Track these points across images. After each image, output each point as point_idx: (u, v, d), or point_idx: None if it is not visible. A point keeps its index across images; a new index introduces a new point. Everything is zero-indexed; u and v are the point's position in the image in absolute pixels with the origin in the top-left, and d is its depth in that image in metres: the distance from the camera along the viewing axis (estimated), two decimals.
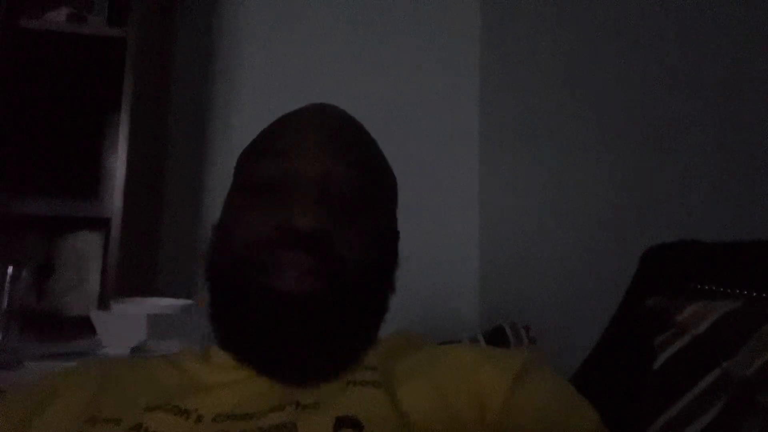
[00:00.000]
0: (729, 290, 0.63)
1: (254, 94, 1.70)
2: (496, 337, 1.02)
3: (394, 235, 0.60)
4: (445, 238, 1.73)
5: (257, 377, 0.50)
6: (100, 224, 1.34)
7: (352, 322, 0.51)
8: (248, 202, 0.53)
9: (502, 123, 1.68)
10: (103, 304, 1.23)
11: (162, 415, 0.46)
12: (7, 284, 1.01)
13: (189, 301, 1.11)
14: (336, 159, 0.54)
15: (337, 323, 0.50)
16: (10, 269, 1.02)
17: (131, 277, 1.30)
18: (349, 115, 0.62)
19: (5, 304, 0.99)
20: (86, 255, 1.39)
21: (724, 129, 0.87)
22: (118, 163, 1.26)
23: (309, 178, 0.52)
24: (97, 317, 1.06)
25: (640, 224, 1.04)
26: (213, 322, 0.54)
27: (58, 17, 1.29)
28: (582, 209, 1.23)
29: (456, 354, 0.53)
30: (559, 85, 1.36)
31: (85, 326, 1.09)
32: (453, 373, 0.50)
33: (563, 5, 1.36)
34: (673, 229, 0.88)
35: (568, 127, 1.31)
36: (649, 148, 1.03)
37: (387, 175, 0.61)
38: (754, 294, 0.61)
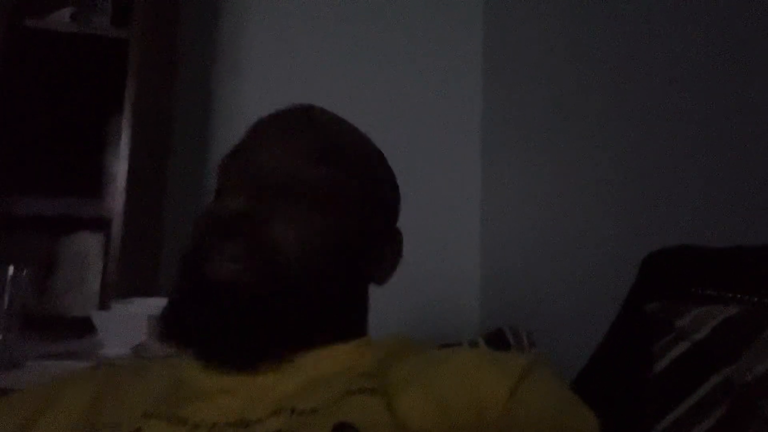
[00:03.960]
0: (730, 295, 0.63)
1: (257, 94, 1.70)
2: (497, 341, 1.02)
3: (356, 241, 0.57)
4: (446, 241, 1.73)
5: (253, 381, 0.50)
6: (102, 225, 1.34)
7: (282, 309, 0.51)
8: (212, 199, 0.57)
9: (505, 126, 1.68)
10: (104, 304, 1.23)
11: (157, 423, 0.46)
12: (7, 284, 1.01)
13: None
14: (289, 151, 0.54)
15: (263, 310, 0.50)
16: (10, 269, 1.02)
17: (132, 277, 1.30)
18: (328, 115, 0.61)
19: (6, 303, 0.99)
20: (87, 255, 1.39)
21: (728, 133, 0.87)
22: (119, 164, 1.26)
23: (252, 167, 0.54)
24: (98, 317, 1.06)
25: (641, 229, 1.04)
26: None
27: (62, 17, 1.30)
28: (583, 213, 1.23)
29: (455, 358, 0.52)
30: (562, 88, 1.36)
31: (85, 326, 1.09)
32: (452, 378, 0.50)
33: (567, 5, 1.36)
34: (674, 235, 0.88)
35: (570, 132, 1.31)
36: (652, 153, 1.03)
37: (359, 178, 0.59)
38: (755, 299, 0.61)
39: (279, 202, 0.52)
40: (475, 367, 0.50)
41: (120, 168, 1.26)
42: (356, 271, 0.58)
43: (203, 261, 0.50)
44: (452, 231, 1.75)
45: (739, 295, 0.62)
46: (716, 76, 0.90)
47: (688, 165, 0.94)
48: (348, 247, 0.56)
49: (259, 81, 1.71)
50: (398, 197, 0.66)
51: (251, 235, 0.50)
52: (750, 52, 0.84)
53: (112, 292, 1.20)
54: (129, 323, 1.02)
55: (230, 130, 1.71)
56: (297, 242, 0.51)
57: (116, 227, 1.23)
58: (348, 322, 0.58)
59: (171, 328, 0.51)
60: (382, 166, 0.64)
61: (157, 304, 1.09)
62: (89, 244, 1.39)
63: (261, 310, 0.49)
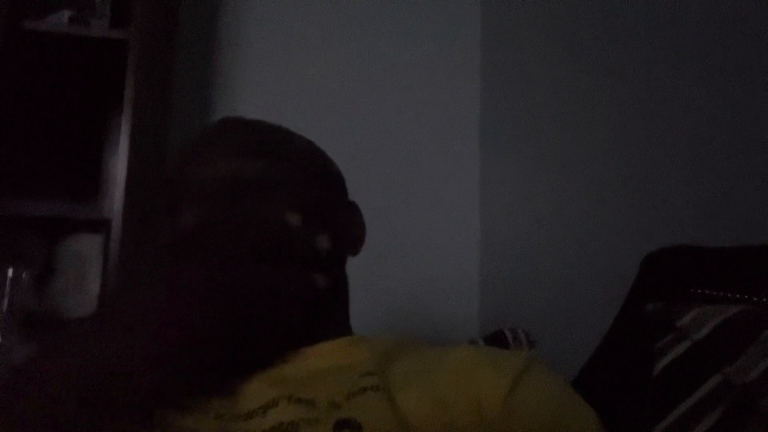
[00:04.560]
0: (729, 295, 0.63)
1: (256, 97, 1.70)
2: (496, 342, 1.02)
3: (323, 211, 0.59)
4: (445, 241, 1.73)
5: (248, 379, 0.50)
6: (101, 226, 1.34)
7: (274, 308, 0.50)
8: None
9: (503, 126, 1.68)
10: None
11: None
12: (7, 286, 1.01)
13: None
14: (225, 154, 0.57)
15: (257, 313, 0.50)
16: (10, 271, 1.03)
17: None
18: (256, 120, 0.63)
19: (5, 305, 0.99)
20: (87, 257, 1.39)
21: (727, 133, 0.87)
22: (119, 166, 1.26)
23: (198, 179, 0.56)
24: None
25: (641, 229, 1.04)
26: None
27: (60, 19, 1.30)
28: (583, 213, 1.23)
29: (454, 356, 0.53)
30: (561, 88, 1.36)
31: None
32: (451, 376, 0.50)
33: (565, 8, 1.37)
34: (673, 236, 0.88)
35: (569, 133, 1.31)
36: (651, 152, 1.03)
37: (301, 157, 0.60)
38: (755, 299, 0.61)
39: (235, 203, 0.53)
40: (474, 365, 0.51)
41: (119, 170, 1.25)
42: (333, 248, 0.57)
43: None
44: (451, 232, 1.75)
45: (738, 295, 0.62)
46: (716, 76, 0.90)
47: (688, 165, 0.94)
48: (313, 225, 0.55)
49: (257, 83, 1.71)
50: (339, 171, 0.67)
51: (219, 243, 0.49)
52: (749, 54, 0.84)
53: None
54: None
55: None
56: (264, 237, 0.50)
57: (115, 229, 1.22)
58: (333, 313, 0.59)
59: None
60: (311, 147, 0.64)
61: None
62: (89, 245, 1.39)
63: (255, 313, 0.49)
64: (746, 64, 0.84)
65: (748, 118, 0.83)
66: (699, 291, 0.66)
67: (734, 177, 0.85)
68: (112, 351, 0.43)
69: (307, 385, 0.49)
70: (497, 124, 1.72)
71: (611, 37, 1.17)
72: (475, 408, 0.47)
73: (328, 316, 0.58)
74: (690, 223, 0.92)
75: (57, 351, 0.46)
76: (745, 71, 0.84)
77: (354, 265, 0.66)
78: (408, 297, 1.49)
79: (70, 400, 0.42)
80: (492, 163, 1.73)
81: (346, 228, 0.63)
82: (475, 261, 1.74)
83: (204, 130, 0.62)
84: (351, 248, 0.64)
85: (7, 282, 1.00)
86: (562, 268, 1.28)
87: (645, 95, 1.05)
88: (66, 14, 1.30)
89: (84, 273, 1.38)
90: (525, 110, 1.54)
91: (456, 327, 1.64)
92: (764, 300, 0.60)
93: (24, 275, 1.02)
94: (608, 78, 1.17)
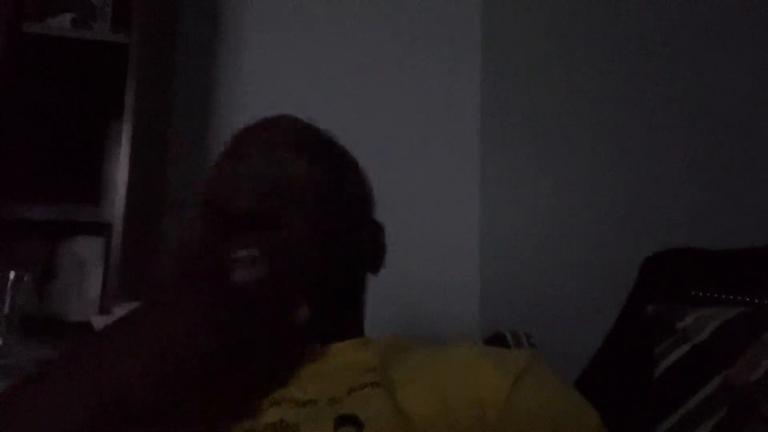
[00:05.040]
0: (729, 297, 0.63)
1: (257, 100, 1.70)
2: (497, 343, 1.02)
3: (353, 227, 0.60)
4: (445, 244, 1.73)
5: None
6: (102, 229, 1.34)
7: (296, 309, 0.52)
8: None
9: (504, 129, 1.68)
10: (105, 309, 1.22)
11: None
12: (8, 289, 1.01)
13: None
14: (275, 153, 0.57)
15: (283, 311, 0.51)
16: (11, 274, 1.03)
17: (132, 282, 1.30)
18: (303, 121, 0.63)
19: (6, 308, 0.99)
20: (87, 260, 1.39)
21: (726, 136, 0.88)
22: (120, 169, 1.26)
23: (245, 172, 0.56)
24: (98, 322, 1.06)
25: (641, 230, 1.04)
26: None
27: (62, 22, 1.30)
28: (583, 216, 1.23)
29: (457, 354, 0.53)
30: (561, 90, 1.36)
31: (86, 331, 1.09)
32: (454, 373, 0.50)
33: (565, 8, 1.37)
34: (673, 238, 0.88)
35: (569, 134, 1.31)
36: (651, 155, 1.04)
37: (341, 168, 0.62)
38: (755, 301, 0.61)
39: (281, 203, 0.53)
40: (476, 363, 0.51)
41: (120, 173, 1.25)
42: (351, 263, 0.60)
43: (217, 261, 0.50)
44: (451, 235, 1.75)
45: (738, 297, 0.62)
46: (715, 77, 0.90)
47: (688, 167, 0.95)
48: (341, 241, 0.58)
49: (258, 86, 1.71)
50: (371, 190, 0.68)
51: (265, 237, 0.51)
52: (749, 56, 0.84)
53: (112, 297, 1.20)
54: None
55: (230, 134, 1.71)
56: (303, 241, 0.52)
57: (116, 232, 1.22)
58: (349, 316, 0.60)
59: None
60: (350, 159, 0.66)
61: None
62: (89, 249, 1.39)
63: (281, 312, 0.50)
64: (747, 65, 0.84)
65: (747, 120, 0.84)
66: (699, 293, 0.66)
67: (735, 179, 0.85)
68: (124, 369, 0.44)
69: (310, 383, 0.50)
70: (498, 126, 1.72)
71: (612, 38, 1.17)
72: (477, 405, 0.48)
73: (340, 320, 0.59)
74: (690, 225, 0.92)
75: (74, 362, 0.46)
76: (745, 73, 0.85)
77: None
78: (408, 299, 1.49)
79: (83, 413, 0.42)
80: (492, 167, 1.73)
81: (368, 246, 0.63)
82: (475, 263, 1.74)
83: (253, 124, 0.62)
84: (372, 268, 0.64)
85: (8, 285, 1.00)
86: (563, 270, 1.28)
87: (646, 96, 1.06)
88: (67, 17, 1.30)
89: (85, 276, 1.38)
90: (525, 112, 1.54)
91: (456, 329, 1.64)
92: (764, 302, 0.60)
93: (25, 278, 1.02)
94: (609, 79, 1.17)
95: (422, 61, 1.81)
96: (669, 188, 0.98)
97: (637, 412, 0.60)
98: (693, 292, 0.66)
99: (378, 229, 0.66)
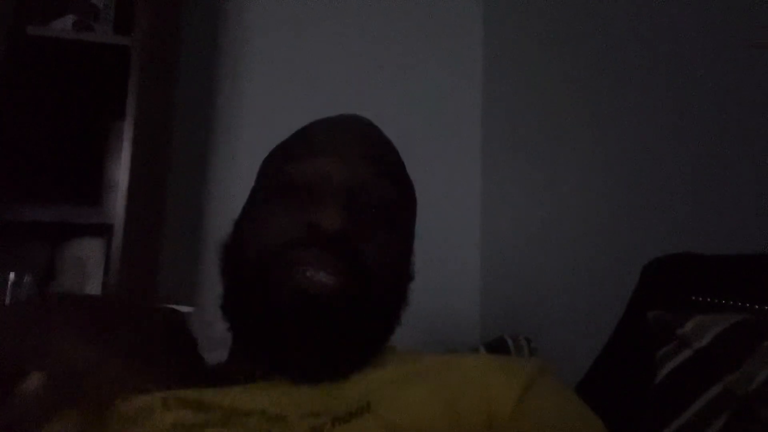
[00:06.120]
0: (731, 303, 0.63)
1: (259, 102, 1.70)
2: (498, 349, 1.02)
3: (409, 250, 0.62)
4: (446, 248, 1.73)
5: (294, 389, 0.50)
6: (103, 231, 1.34)
7: (369, 325, 0.53)
8: (279, 201, 0.55)
9: (505, 130, 1.68)
10: None
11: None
12: (9, 290, 1.01)
13: (190, 308, 1.11)
14: (367, 167, 0.56)
15: (355, 325, 0.51)
16: (12, 275, 1.03)
17: (133, 283, 1.30)
18: (378, 128, 0.64)
19: None
20: (88, 261, 1.39)
21: (729, 140, 0.88)
22: (121, 170, 1.26)
23: (340, 182, 0.54)
24: None
25: (642, 235, 1.04)
26: (230, 315, 0.55)
27: (64, 25, 1.30)
28: (584, 220, 1.23)
29: (466, 362, 0.53)
30: (562, 91, 1.36)
31: None
32: (463, 380, 0.51)
33: (566, 10, 1.37)
34: (673, 241, 0.88)
35: (570, 137, 1.31)
36: (652, 159, 1.03)
37: (410, 192, 0.63)
38: (756, 307, 0.61)
39: (365, 224, 0.54)
40: (485, 371, 0.51)
41: (121, 174, 1.26)
42: (408, 279, 0.61)
43: (300, 272, 0.50)
44: (452, 237, 1.75)
45: (740, 303, 0.62)
46: (717, 80, 0.90)
47: (688, 169, 0.94)
48: (407, 259, 0.60)
49: (260, 88, 1.72)
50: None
51: (349, 252, 0.51)
52: (750, 58, 0.84)
53: None
54: None
55: (231, 137, 1.72)
56: (379, 262, 0.53)
57: (117, 234, 1.23)
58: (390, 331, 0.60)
59: (265, 338, 0.51)
60: (407, 173, 0.66)
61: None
62: (90, 250, 1.39)
63: (355, 324, 0.51)
64: (747, 67, 0.84)
65: (749, 124, 0.84)
66: (700, 299, 0.66)
67: (737, 184, 0.85)
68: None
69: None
70: (499, 128, 1.72)
71: (613, 39, 1.17)
72: (485, 414, 0.48)
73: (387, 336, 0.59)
74: (691, 231, 0.92)
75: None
76: (746, 76, 0.85)
77: None
78: (409, 304, 1.48)
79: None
80: (493, 169, 1.73)
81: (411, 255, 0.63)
82: (476, 264, 1.74)
83: (328, 122, 0.62)
84: (412, 276, 0.64)
85: (9, 286, 1.00)
86: (564, 277, 1.28)
87: (648, 99, 1.06)
88: (70, 20, 1.30)
89: (86, 277, 1.38)
90: (527, 113, 1.54)
91: (457, 333, 1.64)
92: (765, 308, 0.60)
93: (26, 279, 1.02)
94: (610, 82, 1.17)
95: (424, 62, 1.81)
96: (671, 193, 0.98)
97: (638, 417, 0.60)
98: (693, 298, 0.66)
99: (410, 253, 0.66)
